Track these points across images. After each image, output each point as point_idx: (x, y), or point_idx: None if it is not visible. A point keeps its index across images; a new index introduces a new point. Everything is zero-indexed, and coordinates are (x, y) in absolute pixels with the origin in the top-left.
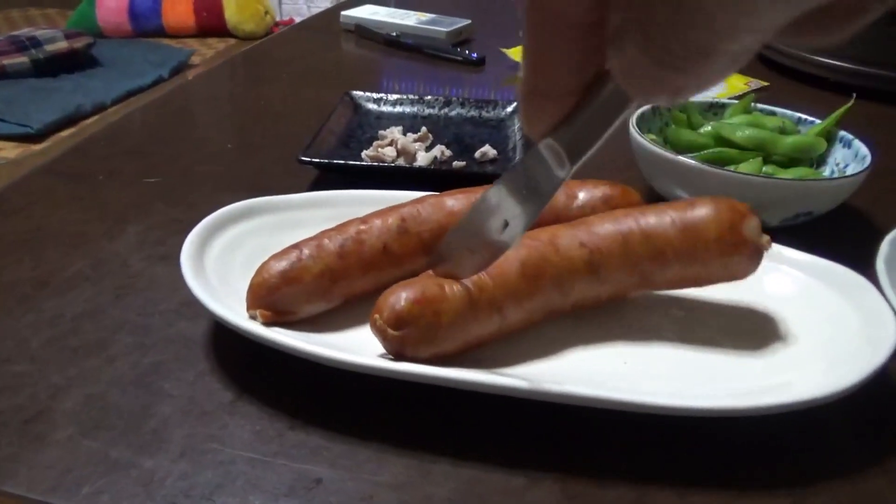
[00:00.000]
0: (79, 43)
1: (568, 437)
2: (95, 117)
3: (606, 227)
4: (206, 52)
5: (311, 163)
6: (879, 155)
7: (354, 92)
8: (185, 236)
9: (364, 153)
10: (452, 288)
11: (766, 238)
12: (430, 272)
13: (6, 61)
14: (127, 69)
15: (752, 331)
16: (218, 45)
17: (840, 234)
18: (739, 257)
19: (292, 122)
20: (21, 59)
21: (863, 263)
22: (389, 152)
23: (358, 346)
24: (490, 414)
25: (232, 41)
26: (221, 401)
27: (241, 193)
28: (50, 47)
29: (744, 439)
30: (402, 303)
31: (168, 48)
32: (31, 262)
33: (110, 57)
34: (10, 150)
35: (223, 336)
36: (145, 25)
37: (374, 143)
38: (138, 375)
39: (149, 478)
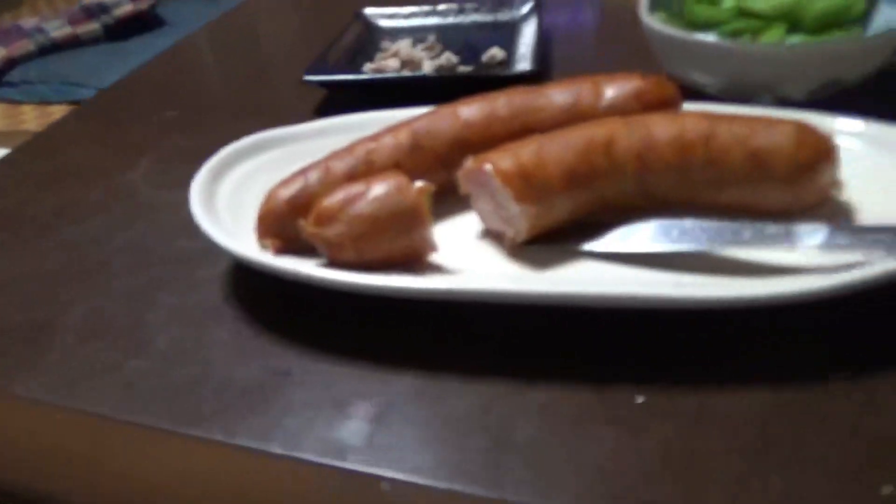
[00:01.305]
0: (143, 4)
1: (592, 347)
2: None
3: (665, 137)
4: None
5: (315, 81)
6: None
7: (367, 10)
8: (192, 164)
9: (366, 67)
10: None
11: (839, 181)
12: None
13: (80, 30)
14: (191, 26)
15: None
16: None
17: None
18: (804, 200)
19: (307, 46)
20: (93, 27)
21: None
22: (393, 63)
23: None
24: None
25: None
26: (206, 307)
27: (251, 118)
28: (117, 11)
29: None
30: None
31: (229, 3)
32: (54, 196)
33: (174, 15)
34: None
35: (213, 251)
36: None
37: (377, 56)
38: (136, 289)
39: (133, 376)
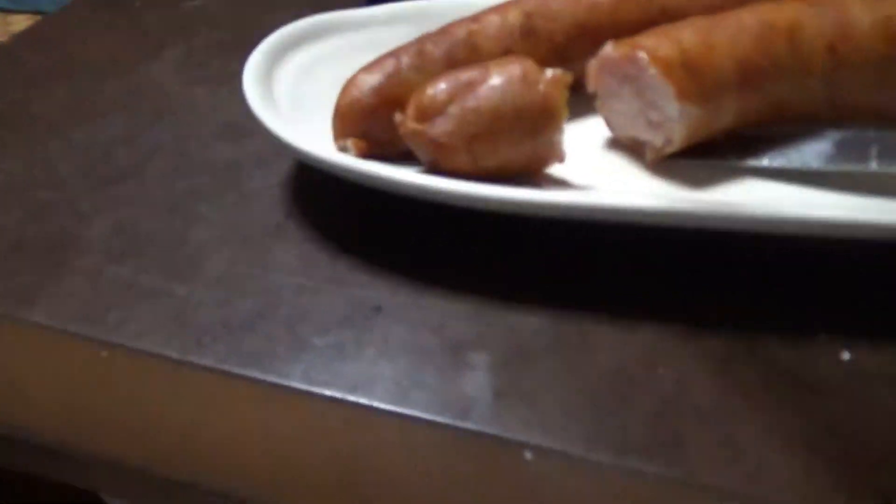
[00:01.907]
0: None
1: (691, 272)
2: None
3: (867, 21)
4: None
5: None
6: None
7: None
8: (226, 58)
9: None
10: None
11: None
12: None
13: None
14: None
15: None
16: None
17: None
18: None
19: None
20: None
21: None
22: None
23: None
24: (585, 242)
25: None
26: (265, 224)
27: (293, 9)
28: None
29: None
30: None
31: None
32: (62, 92)
33: None
34: None
35: (269, 159)
36: None
37: None
38: (173, 200)
39: (182, 305)
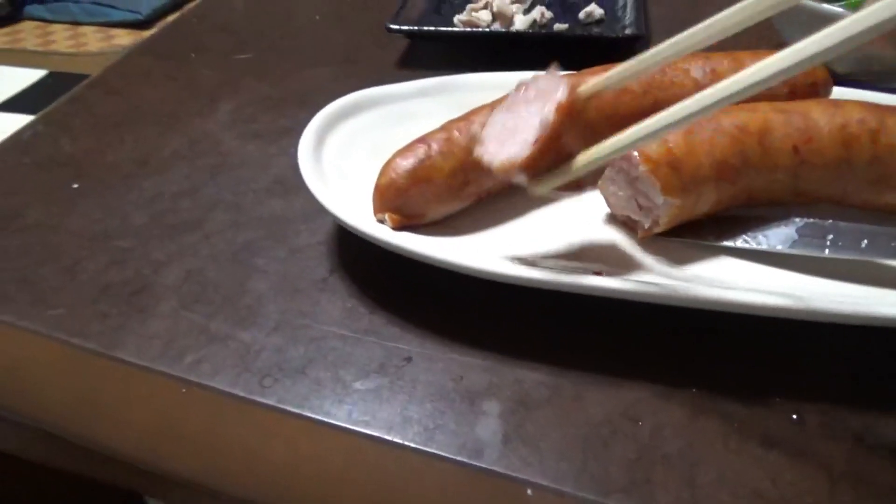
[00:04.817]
0: None
1: (669, 338)
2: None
3: (826, 128)
4: None
5: (399, 31)
6: None
7: None
8: (274, 113)
9: (456, 18)
10: None
11: None
12: None
13: None
14: None
15: None
16: None
17: None
18: None
19: None
20: None
21: None
22: (484, 16)
23: (500, 249)
24: (587, 307)
25: None
26: (313, 278)
27: (330, 66)
28: None
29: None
30: None
31: None
32: (131, 141)
33: None
34: (123, 38)
35: (314, 215)
36: None
37: (468, 7)
38: (233, 252)
39: (245, 350)
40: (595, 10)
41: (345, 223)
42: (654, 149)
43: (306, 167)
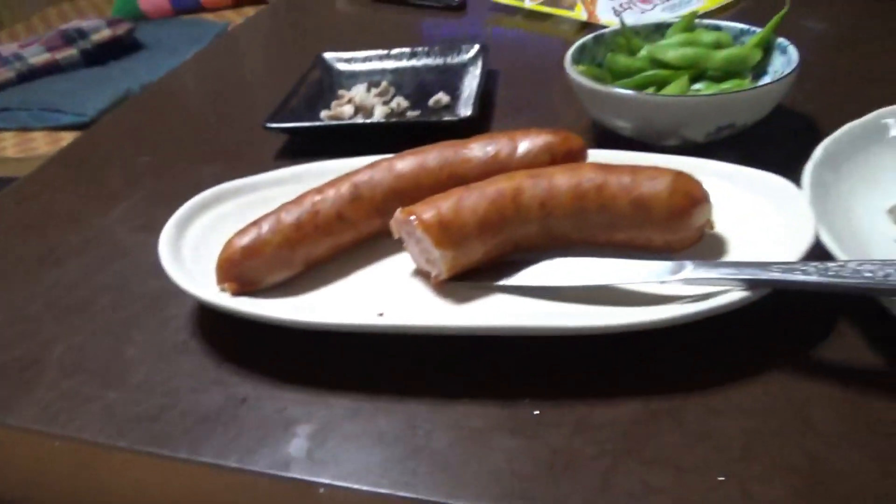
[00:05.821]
0: (120, 29)
1: (502, 368)
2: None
3: (565, 186)
4: (240, 21)
5: (275, 128)
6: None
7: (326, 54)
8: (163, 208)
9: (323, 113)
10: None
11: (711, 222)
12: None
13: (59, 55)
14: (168, 48)
15: None
16: (251, 13)
17: (781, 142)
18: (682, 238)
19: (272, 90)
20: (71, 52)
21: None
22: (347, 110)
23: (317, 304)
24: (381, 343)
25: (264, 7)
26: (175, 342)
27: (218, 162)
28: (95, 37)
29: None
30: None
31: (205, 23)
32: (36, 241)
33: (152, 38)
34: (70, 139)
35: (180, 291)
36: (184, 3)
37: (333, 103)
38: (113, 327)
39: (111, 406)
40: (442, 97)
41: (190, 293)
42: (427, 213)
43: (164, 252)
